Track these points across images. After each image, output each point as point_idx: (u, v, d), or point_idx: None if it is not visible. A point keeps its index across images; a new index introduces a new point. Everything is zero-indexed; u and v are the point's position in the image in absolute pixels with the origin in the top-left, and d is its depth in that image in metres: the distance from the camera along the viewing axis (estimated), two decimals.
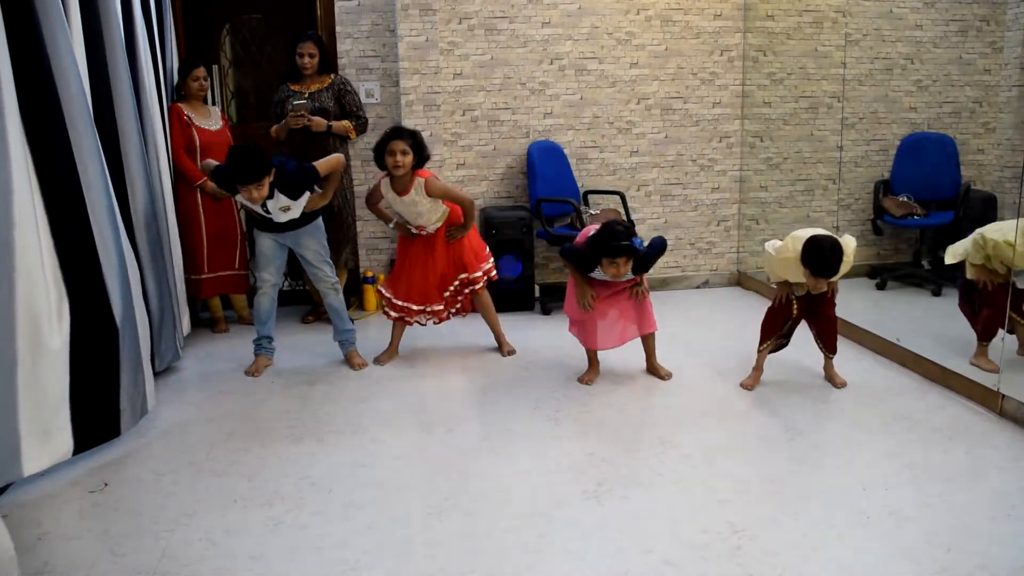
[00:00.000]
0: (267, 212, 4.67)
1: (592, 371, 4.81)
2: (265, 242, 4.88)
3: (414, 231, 5.04)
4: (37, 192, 3.40)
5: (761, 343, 4.63)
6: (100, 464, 3.83)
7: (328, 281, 5.02)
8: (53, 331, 3.43)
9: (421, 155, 4.77)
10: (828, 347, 4.63)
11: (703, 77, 6.67)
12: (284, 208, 4.66)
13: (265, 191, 4.47)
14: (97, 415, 3.76)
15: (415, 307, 5.09)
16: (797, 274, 4.36)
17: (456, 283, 5.11)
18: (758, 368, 4.64)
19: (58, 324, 3.48)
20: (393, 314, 5.14)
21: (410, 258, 5.09)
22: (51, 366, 3.43)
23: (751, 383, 4.59)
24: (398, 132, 4.73)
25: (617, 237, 4.35)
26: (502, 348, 5.34)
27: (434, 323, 5.18)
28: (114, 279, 3.81)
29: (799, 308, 4.55)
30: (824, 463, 3.71)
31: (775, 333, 4.59)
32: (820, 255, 4.19)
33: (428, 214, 4.91)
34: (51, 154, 3.48)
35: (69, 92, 3.58)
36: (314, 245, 4.94)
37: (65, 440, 3.53)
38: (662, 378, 4.80)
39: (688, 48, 6.60)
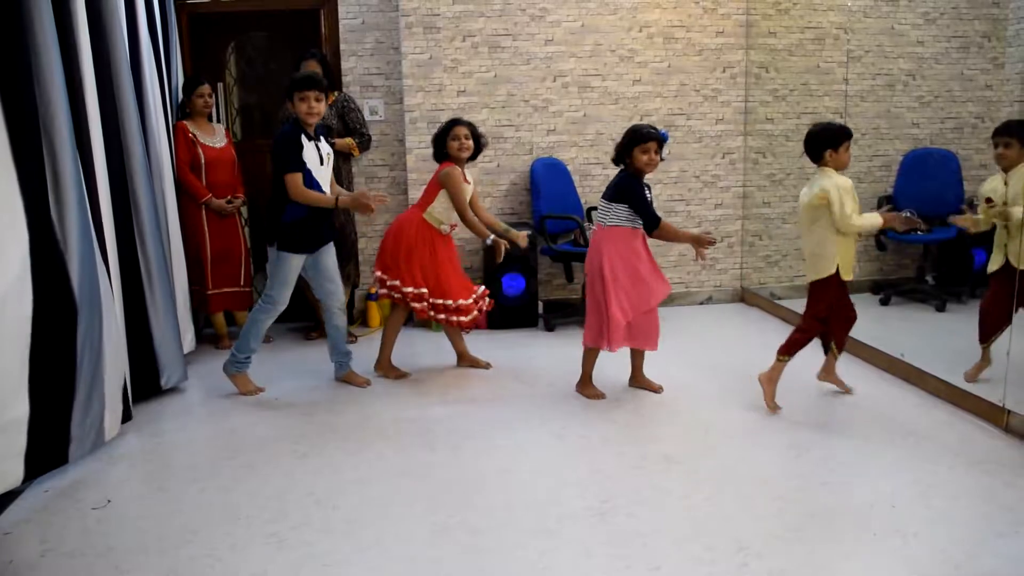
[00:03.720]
0: (322, 159, 4.66)
1: (590, 384, 4.81)
2: (294, 262, 4.72)
3: (449, 230, 5.08)
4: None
5: (786, 353, 4.51)
6: (103, 481, 3.81)
7: (342, 300, 4.98)
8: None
9: (478, 144, 5.02)
10: (842, 343, 4.64)
11: (706, 94, 6.67)
12: (328, 156, 4.71)
13: (322, 107, 4.61)
14: (46, 441, 3.62)
15: (451, 303, 5.03)
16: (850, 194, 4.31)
17: (472, 299, 5.13)
18: (775, 381, 4.54)
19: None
20: (417, 305, 5.00)
21: (440, 258, 5.04)
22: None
23: (774, 402, 4.51)
24: (460, 121, 4.98)
25: (643, 127, 4.49)
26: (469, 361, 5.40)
27: (462, 323, 5.10)
28: (86, 306, 3.75)
29: (839, 299, 4.51)
30: (830, 480, 3.69)
31: (808, 343, 4.53)
32: (838, 125, 4.40)
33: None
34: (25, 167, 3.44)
35: (49, 108, 3.54)
36: (333, 258, 4.92)
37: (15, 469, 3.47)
38: (654, 392, 4.80)
39: (691, 65, 6.60)
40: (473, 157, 5.03)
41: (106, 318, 3.94)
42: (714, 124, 6.73)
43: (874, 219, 4.32)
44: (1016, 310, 4.39)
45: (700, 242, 4.56)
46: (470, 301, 5.08)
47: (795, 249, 6.50)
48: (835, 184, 4.27)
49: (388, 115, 6.39)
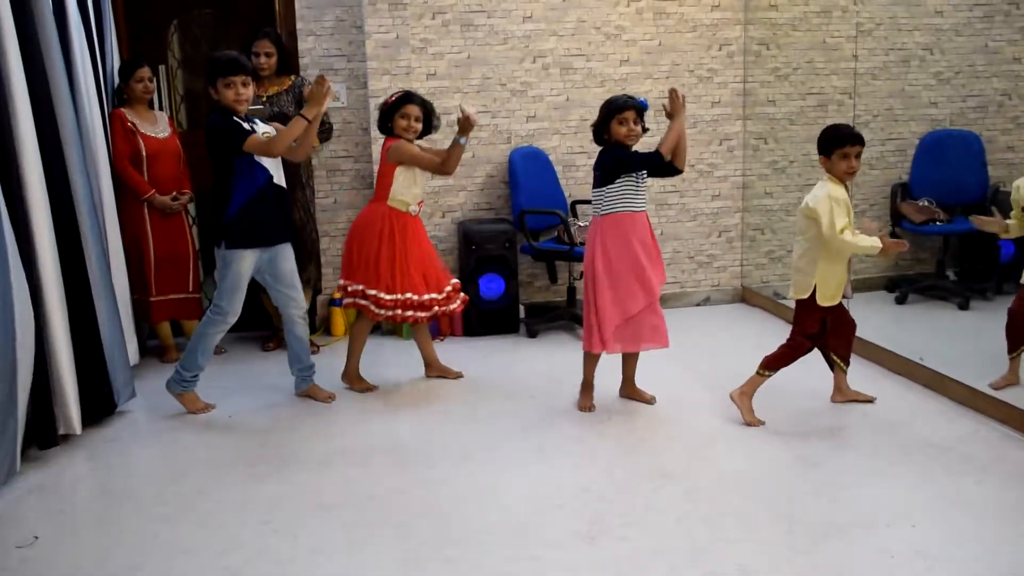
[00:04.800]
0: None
1: (590, 394, 4.81)
2: (245, 263, 4.68)
3: (417, 210, 5.06)
4: None
5: (768, 368, 4.56)
6: (27, 515, 3.76)
7: (302, 308, 4.97)
8: None
9: (429, 123, 5.02)
10: (846, 357, 4.65)
11: (700, 74, 6.68)
12: (254, 113, 4.69)
13: (250, 92, 4.60)
14: None
15: (417, 297, 4.99)
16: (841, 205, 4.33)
17: (446, 292, 5.11)
18: (750, 395, 4.58)
19: None
20: (383, 311, 4.97)
21: (409, 246, 5.01)
22: None
23: (753, 417, 4.53)
24: (411, 97, 4.96)
25: (618, 97, 4.56)
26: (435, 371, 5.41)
27: (423, 317, 5.06)
28: None
29: (830, 320, 4.55)
30: (841, 497, 3.69)
31: (793, 361, 4.56)
32: (837, 128, 4.40)
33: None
34: None
35: None
36: (292, 261, 4.90)
37: None
38: (647, 402, 4.82)
39: (683, 43, 6.61)
40: (420, 136, 5.01)
41: (20, 332, 3.91)
42: (710, 108, 6.74)
43: (871, 243, 4.27)
44: None
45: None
46: (441, 295, 5.07)
47: None
48: (828, 194, 4.30)
49: (351, 101, 6.38)
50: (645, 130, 4.57)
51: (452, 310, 5.15)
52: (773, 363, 4.55)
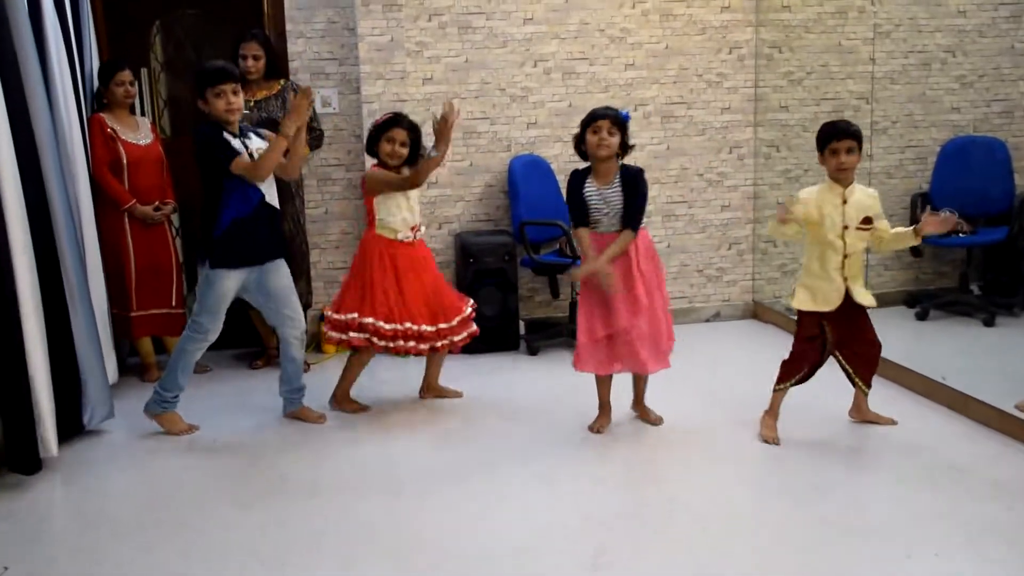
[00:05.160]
0: (252, 157, 4.56)
1: (603, 417, 4.77)
2: (228, 283, 4.64)
3: (410, 235, 4.99)
4: None
5: (779, 382, 4.57)
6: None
7: (299, 328, 4.91)
8: None
9: (416, 149, 4.96)
10: (867, 379, 4.59)
11: (709, 79, 6.65)
12: (258, 153, 4.59)
13: (241, 101, 4.56)
14: None
15: (415, 327, 4.92)
16: (827, 203, 4.34)
17: (456, 321, 5.05)
18: (772, 413, 4.58)
19: None
20: (383, 343, 4.92)
21: (406, 269, 4.96)
22: None
23: (771, 433, 4.52)
24: (399, 120, 4.93)
25: (596, 109, 4.61)
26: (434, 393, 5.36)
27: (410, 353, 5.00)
28: None
29: (833, 331, 4.50)
30: (860, 525, 3.66)
31: (801, 370, 4.53)
32: (830, 124, 4.42)
33: (418, 207, 5.06)
34: None
35: None
36: (287, 277, 4.84)
37: None
38: (652, 423, 4.79)
39: (692, 46, 6.58)
40: (408, 163, 4.96)
41: None
42: (719, 114, 6.71)
43: (772, 224, 4.52)
44: None
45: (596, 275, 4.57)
46: (450, 324, 5.01)
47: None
48: (801, 193, 4.45)
49: (343, 107, 6.34)
50: (629, 145, 4.59)
51: (455, 343, 5.09)
52: (782, 375, 4.55)
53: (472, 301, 5.24)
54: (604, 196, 4.53)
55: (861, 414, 4.69)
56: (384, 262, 4.90)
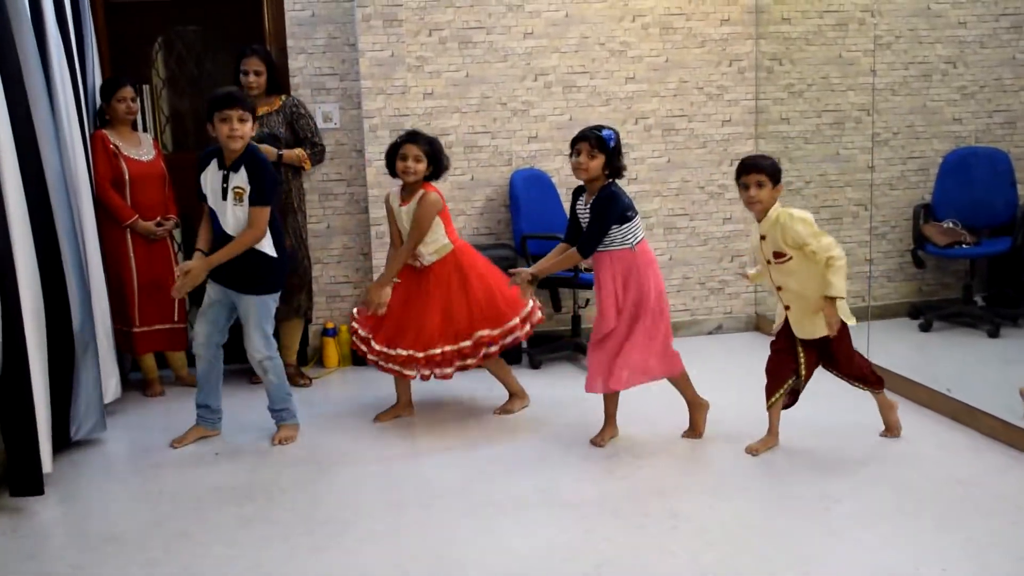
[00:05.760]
0: (224, 191, 4.59)
1: (606, 429, 4.76)
2: (210, 289, 4.76)
3: (412, 261, 5.01)
4: None
5: (769, 398, 4.56)
6: None
7: (256, 356, 4.83)
8: None
9: (437, 165, 4.95)
10: (865, 380, 4.53)
11: (710, 92, 6.64)
12: (238, 193, 4.58)
13: (248, 129, 4.57)
14: None
15: (391, 351, 4.96)
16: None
17: (482, 335, 5.01)
18: (772, 431, 4.57)
19: None
20: (368, 355, 5.05)
21: (397, 294, 5.03)
22: None
23: (759, 447, 4.52)
24: (413, 136, 4.93)
25: (581, 131, 4.60)
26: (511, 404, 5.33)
27: (421, 377, 5.05)
28: None
29: (807, 359, 4.49)
30: (865, 538, 3.63)
31: (781, 385, 4.53)
32: (743, 159, 4.46)
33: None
34: None
35: None
36: (254, 311, 4.77)
37: None
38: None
39: (692, 59, 6.58)
40: (433, 177, 4.99)
41: None
42: (720, 126, 6.70)
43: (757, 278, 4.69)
44: None
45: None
46: (458, 345, 4.99)
47: None
48: None
49: (344, 122, 6.33)
50: (617, 168, 4.60)
51: (465, 366, 5.07)
52: (766, 389, 4.57)
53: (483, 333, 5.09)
54: (587, 214, 4.61)
55: (881, 413, 4.64)
56: (398, 288, 5.05)
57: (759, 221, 4.36)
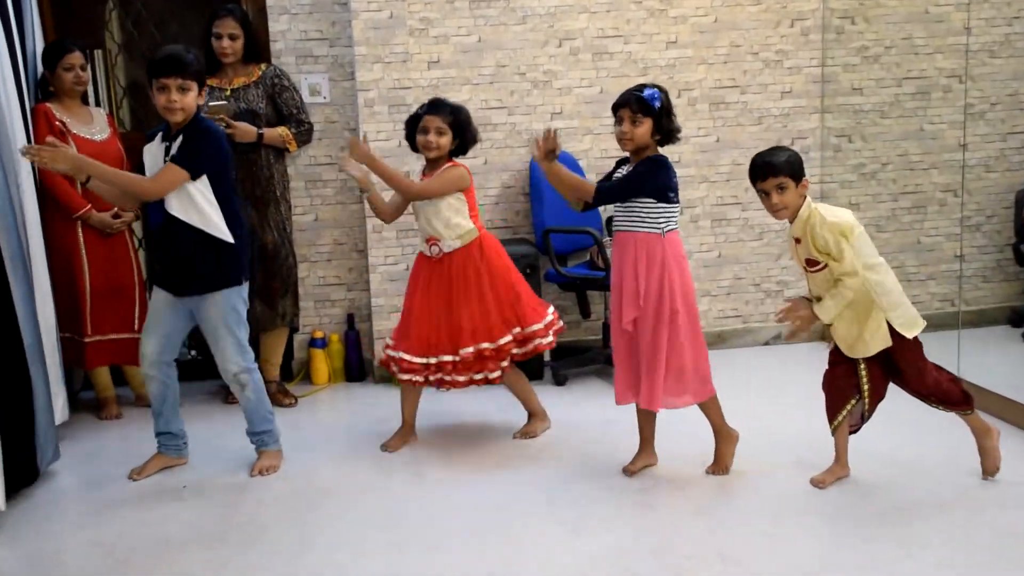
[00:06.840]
0: (165, 159, 4.61)
1: (641, 456, 4.79)
2: (156, 295, 4.76)
3: (428, 249, 5.06)
4: None
5: (832, 420, 4.55)
6: None
7: (230, 368, 4.81)
8: None
9: (464, 137, 5.04)
10: (946, 399, 4.45)
11: (767, 58, 6.63)
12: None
13: (191, 100, 4.56)
14: None
15: (415, 360, 5.02)
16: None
17: (505, 340, 5.04)
18: (840, 459, 4.56)
19: None
20: (402, 375, 5.08)
21: (410, 289, 5.13)
22: None
23: (826, 478, 4.51)
24: (435, 106, 5.00)
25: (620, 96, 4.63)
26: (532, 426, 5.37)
27: (442, 388, 5.13)
28: None
29: (870, 374, 4.47)
30: None
31: (844, 404, 4.51)
32: (754, 159, 4.49)
33: (442, 217, 4.98)
34: None
35: None
36: (219, 316, 4.75)
37: None
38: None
39: (745, 18, 6.57)
40: (459, 152, 5.07)
41: None
42: (779, 99, 6.69)
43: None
44: None
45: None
46: (459, 356, 5.02)
47: (895, 266, 6.42)
48: None
49: (335, 96, 6.36)
50: (669, 130, 4.65)
51: (457, 381, 5.09)
52: (827, 413, 4.57)
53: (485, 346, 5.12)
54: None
55: (976, 440, 4.55)
56: (408, 281, 5.17)
57: (791, 223, 4.36)
